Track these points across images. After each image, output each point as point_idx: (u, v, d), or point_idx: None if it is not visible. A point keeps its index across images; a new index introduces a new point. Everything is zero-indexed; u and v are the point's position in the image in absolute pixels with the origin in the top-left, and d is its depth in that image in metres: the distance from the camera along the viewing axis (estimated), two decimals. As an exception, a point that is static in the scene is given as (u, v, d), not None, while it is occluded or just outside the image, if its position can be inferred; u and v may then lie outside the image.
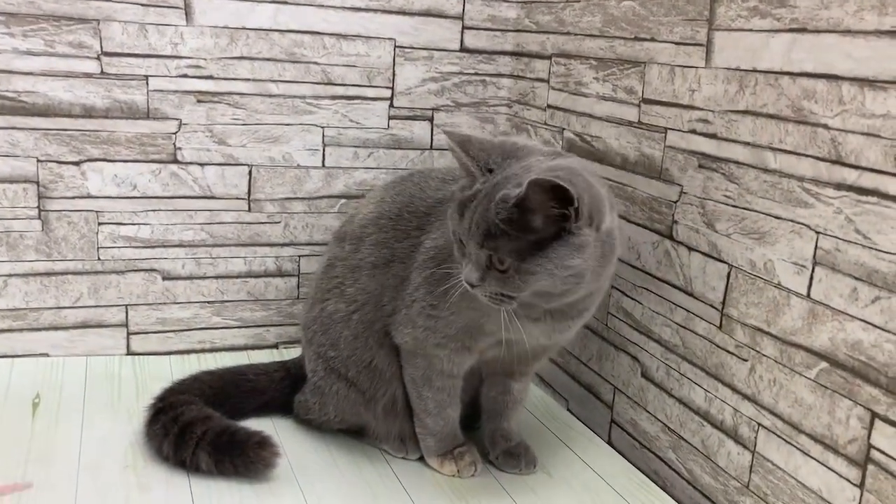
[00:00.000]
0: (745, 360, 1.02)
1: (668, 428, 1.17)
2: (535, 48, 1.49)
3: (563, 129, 1.41)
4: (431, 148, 1.58)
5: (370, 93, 1.51)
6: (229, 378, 1.29)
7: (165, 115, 1.40)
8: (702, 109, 1.08)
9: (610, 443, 1.29)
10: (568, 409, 1.40)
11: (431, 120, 1.57)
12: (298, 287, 1.55)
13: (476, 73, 1.57)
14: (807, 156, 0.92)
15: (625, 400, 1.26)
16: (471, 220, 0.94)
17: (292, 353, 1.52)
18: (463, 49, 1.55)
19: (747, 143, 1.01)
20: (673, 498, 1.12)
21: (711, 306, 1.07)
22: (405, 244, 1.13)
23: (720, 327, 1.06)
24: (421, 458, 1.20)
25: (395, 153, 1.55)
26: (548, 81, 1.45)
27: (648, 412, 1.21)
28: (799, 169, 0.93)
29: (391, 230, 1.15)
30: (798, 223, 0.94)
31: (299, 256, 1.54)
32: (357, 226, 1.20)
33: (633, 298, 1.23)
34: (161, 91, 1.39)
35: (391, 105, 1.53)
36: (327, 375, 1.20)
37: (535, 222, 0.91)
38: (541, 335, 1.05)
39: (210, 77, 1.41)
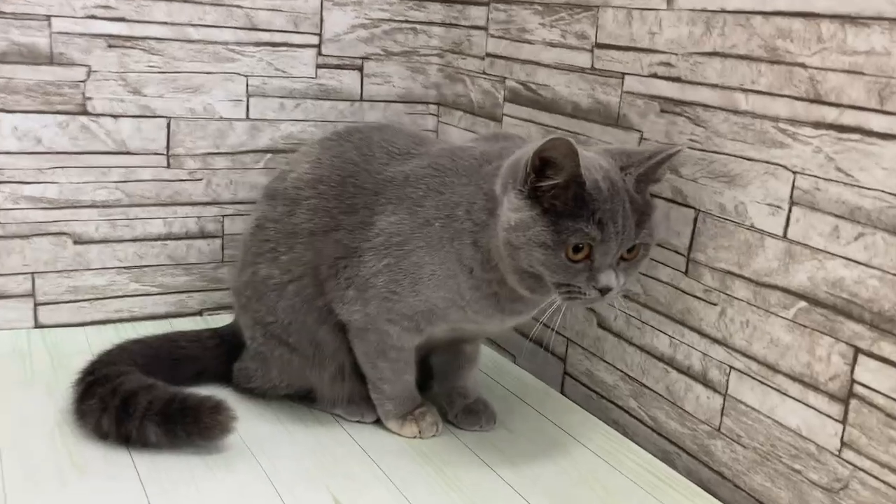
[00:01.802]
0: (715, 305, 1.02)
1: (629, 376, 1.16)
2: (471, -6, 1.43)
3: (505, 77, 1.36)
4: (361, 99, 1.50)
5: (297, 39, 1.42)
6: (160, 346, 1.19)
7: (72, 60, 1.26)
8: (664, 53, 1.06)
9: (564, 394, 1.28)
10: (515, 364, 1.38)
11: (361, 69, 1.49)
12: (223, 249, 1.45)
13: (406, 21, 1.50)
14: (782, 96, 0.92)
15: (579, 351, 1.25)
16: (623, 218, 0.89)
17: (217, 320, 1.43)
18: (393, -6, 1.48)
19: (715, 86, 0.99)
20: (637, 445, 1.12)
21: (676, 252, 1.06)
22: (351, 218, 1.05)
23: (686, 273, 1.05)
24: (377, 422, 1.14)
25: (323, 104, 1.47)
26: (486, 29, 1.40)
27: (606, 362, 1.20)
28: (773, 109, 0.93)
29: (332, 199, 1.07)
30: (773, 164, 0.93)
31: (223, 216, 1.44)
32: (291, 186, 1.11)
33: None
34: (66, 34, 1.25)
35: (319, 53, 1.44)
36: (267, 341, 1.12)
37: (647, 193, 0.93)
38: (505, 320, 1.04)
39: (122, 19, 1.28)
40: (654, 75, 1.08)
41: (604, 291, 0.90)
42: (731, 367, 1.00)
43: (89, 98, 1.29)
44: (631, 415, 1.16)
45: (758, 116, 0.95)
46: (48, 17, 1.23)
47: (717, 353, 1.02)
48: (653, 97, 1.08)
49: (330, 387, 1.13)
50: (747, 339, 0.98)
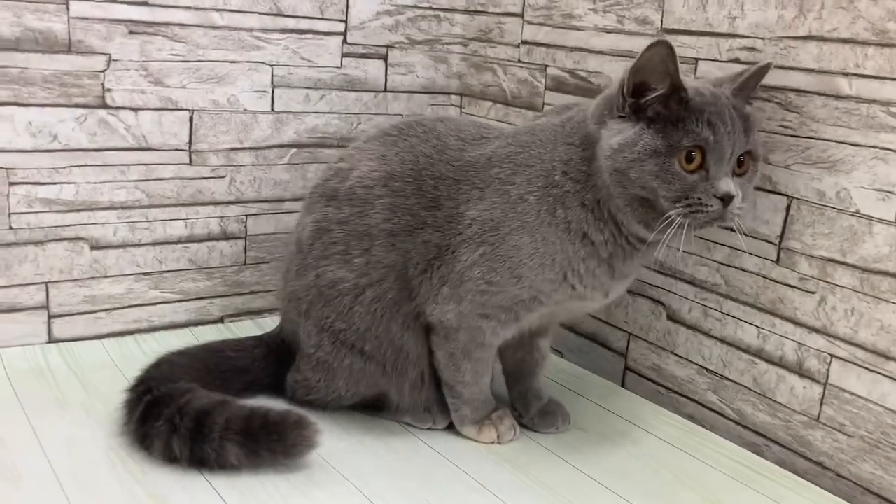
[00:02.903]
0: (813, 293, 1.00)
1: (707, 370, 1.13)
2: (503, -21, 1.38)
3: (547, 66, 1.32)
4: (385, 90, 1.43)
5: (322, 26, 1.33)
6: (207, 358, 1.10)
7: (91, 48, 1.15)
8: (747, 37, 1.04)
9: (624, 389, 1.24)
10: (565, 360, 1.34)
11: (386, 59, 1.41)
12: (245, 251, 1.35)
13: (430, 7, 1.44)
14: (893, 79, 0.90)
15: (643, 346, 1.22)
16: (731, 119, 0.87)
17: (240, 327, 1.35)
18: (418, -21, 1.41)
19: (811, 70, 0.97)
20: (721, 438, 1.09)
21: (766, 241, 1.04)
22: (437, 214, 0.99)
23: (777, 261, 1.03)
24: (448, 428, 1.08)
25: (347, 96, 1.39)
26: (521, 15, 1.35)
27: (678, 356, 1.17)
28: (883, 93, 0.91)
29: (411, 195, 1.01)
30: (882, 149, 0.92)
31: (246, 216, 1.34)
32: (357, 185, 1.04)
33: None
34: (85, 19, 1.13)
35: (344, 41, 1.36)
36: (336, 350, 1.04)
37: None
38: (613, 289, 0.99)
39: (144, 3, 1.17)
40: (736, 60, 1.05)
41: (725, 200, 0.87)
42: (832, 356, 0.99)
43: (109, 89, 1.17)
44: (709, 408, 1.13)
45: (864, 101, 0.93)
46: (66, 1, 1.11)
47: (815, 342, 1.00)
48: (733, 83, 1.06)
49: (409, 395, 1.06)
50: (852, 328, 0.96)
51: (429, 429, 1.08)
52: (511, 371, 1.13)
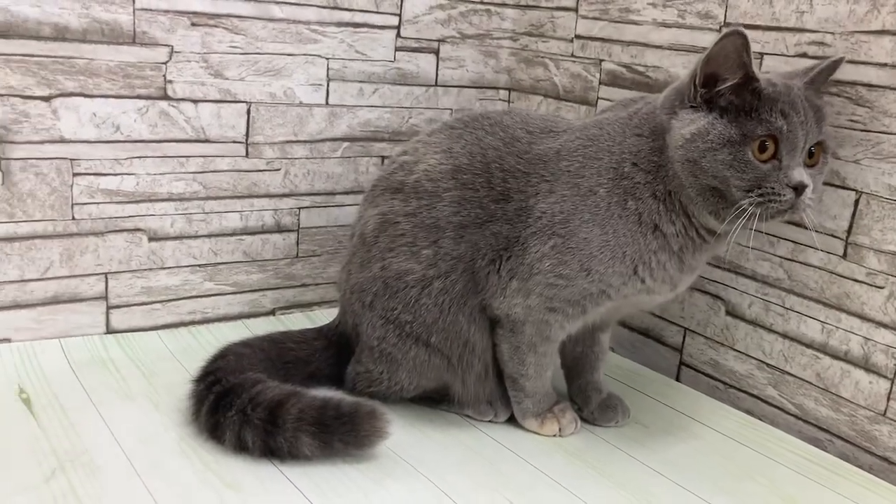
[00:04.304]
0: (881, 288, 1.00)
1: (767, 365, 1.13)
2: (556, -26, 1.38)
3: (602, 60, 1.32)
4: (436, 84, 1.43)
5: (377, 20, 1.34)
6: (270, 349, 1.10)
7: (155, 40, 1.15)
8: (816, 32, 1.04)
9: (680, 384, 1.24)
10: (617, 354, 1.34)
11: (437, 53, 1.42)
12: (298, 244, 1.36)
13: (482, 2, 1.44)
14: (971, 74, 0.90)
15: (700, 341, 1.22)
16: (803, 110, 0.88)
17: (291, 319, 1.35)
18: (470, -26, 1.41)
19: (884, 65, 0.97)
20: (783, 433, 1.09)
21: (832, 235, 1.04)
22: (507, 206, 1.00)
23: (844, 256, 1.03)
24: (509, 420, 1.09)
25: (400, 90, 1.39)
26: (576, 10, 1.35)
27: (737, 350, 1.17)
28: (959, 88, 0.91)
29: (481, 188, 1.01)
30: (957, 143, 0.92)
31: (299, 209, 1.34)
32: (424, 179, 1.04)
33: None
34: (150, 10, 1.14)
35: (398, 35, 1.36)
36: (401, 341, 1.04)
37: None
38: (682, 282, 0.99)
39: (207, -6, 1.18)
40: (804, 55, 1.05)
41: (798, 190, 0.87)
42: (900, 351, 0.99)
43: (170, 81, 1.18)
44: (769, 403, 1.13)
45: (939, 96, 0.93)
46: (132, -8, 1.12)
47: (882, 336, 1.00)
48: (799, 77, 1.05)
49: (473, 387, 1.06)
50: (924, 322, 0.96)
51: (489, 421, 1.09)
52: (571, 365, 1.14)
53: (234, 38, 1.21)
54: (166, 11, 1.15)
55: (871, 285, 1.01)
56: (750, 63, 0.87)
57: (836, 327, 1.05)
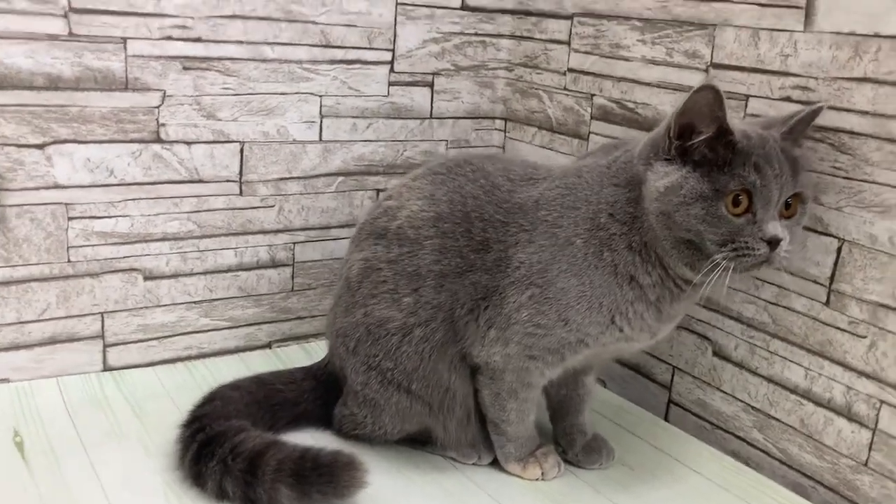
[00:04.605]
0: (863, 337, 0.99)
1: (752, 407, 1.13)
2: (549, 7, 1.38)
3: (593, 94, 1.31)
4: (431, 117, 1.44)
5: (370, 56, 1.35)
6: (258, 391, 1.12)
7: (147, 85, 1.17)
8: (800, 76, 1.03)
9: (669, 423, 1.24)
10: (607, 390, 1.34)
11: (432, 86, 1.42)
12: (293, 278, 1.38)
13: (476, 34, 1.44)
14: (951, 128, 0.89)
15: (688, 380, 1.21)
16: (778, 163, 0.88)
17: (287, 352, 1.37)
18: (464, 7, 1.41)
19: (865, 113, 0.96)
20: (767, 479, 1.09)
21: (815, 282, 1.03)
22: (486, 257, 1.00)
23: (827, 303, 1.02)
24: (492, 463, 1.10)
25: (394, 123, 1.40)
26: (568, 43, 1.35)
27: (724, 392, 1.16)
28: (940, 141, 0.90)
29: (461, 237, 1.02)
30: (938, 197, 0.91)
31: (294, 244, 1.36)
32: (406, 226, 1.04)
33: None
34: (141, 56, 1.16)
35: (391, 70, 1.37)
36: (383, 388, 1.06)
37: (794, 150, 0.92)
38: (661, 330, 0.99)
39: (198, 39, 1.19)
40: (788, 99, 1.04)
41: (773, 244, 0.87)
42: (881, 402, 0.98)
43: (163, 124, 1.20)
44: (755, 446, 1.13)
45: (920, 148, 0.92)
46: (124, 40, 1.14)
47: (864, 386, 0.99)
48: (784, 122, 1.05)
49: (455, 432, 1.07)
50: (905, 375, 0.95)
51: (473, 464, 1.10)
52: (555, 407, 1.14)
53: (227, 80, 1.23)
54: (158, 57, 1.17)
55: (853, 334, 1.00)
56: (724, 116, 0.87)
57: (820, 374, 1.04)
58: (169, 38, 1.17)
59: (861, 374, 1.00)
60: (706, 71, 1.14)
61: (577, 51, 1.34)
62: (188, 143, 1.22)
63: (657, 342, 1.04)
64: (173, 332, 1.29)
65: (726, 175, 0.87)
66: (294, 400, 1.13)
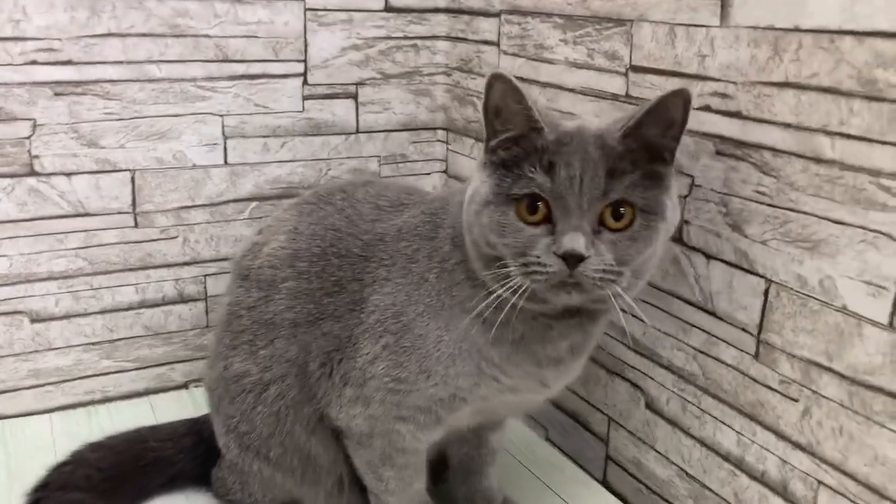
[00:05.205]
0: (795, 400, 0.81)
1: (686, 473, 0.95)
2: (478, 3, 1.22)
3: (522, 103, 1.15)
4: (357, 132, 1.30)
5: (277, 68, 1.22)
6: (125, 450, 1.01)
7: (13, 114, 1.08)
8: (718, 80, 0.84)
9: (606, 483, 1.07)
10: (548, 439, 1.18)
11: (356, 97, 1.28)
12: (207, 313, 1.26)
13: (406, 37, 1.29)
14: (885, 143, 0.70)
15: (624, 434, 1.04)
16: (582, 162, 0.70)
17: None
18: (388, 8, 1.27)
19: (788, 125, 0.78)
20: (702, 561, 0.91)
21: (744, 330, 0.85)
22: (338, 300, 0.85)
23: (756, 356, 0.84)
24: (383, 536, 0.95)
25: (313, 140, 1.27)
26: (498, 44, 1.19)
27: (658, 452, 0.99)
28: (873, 160, 0.71)
29: (314, 278, 0.87)
30: (872, 231, 0.72)
31: (205, 276, 1.25)
32: (266, 265, 0.90)
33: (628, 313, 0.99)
34: (4, 84, 1.06)
35: (305, 82, 1.24)
36: (243, 454, 0.93)
37: (645, 155, 0.72)
38: (547, 379, 0.82)
39: (69, 62, 1.09)
40: (707, 108, 0.86)
41: (569, 260, 0.68)
42: (819, 483, 0.79)
43: (36, 156, 1.10)
44: (691, 519, 0.96)
45: (849, 168, 0.73)
46: (-21, 67, 1.04)
47: (800, 460, 0.81)
48: (706, 135, 0.87)
49: (326, 502, 0.93)
50: (842, 451, 0.76)
51: (357, 534, 0.96)
52: (456, 468, 0.99)
53: (108, 104, 1.12)
54: (22, 83, 1.07)
55: (784, 395, 0.82)
56: (526, 110, 0.71)
57: (752, 441, 0.86)
58: (34, 62, 1.07)
59: (796, 445, 0.81)
60: (625, 74, 0.96)
61: (506, 52, 1.17)
62: (68, 175, 1.12)
63: (557, 390, 0.87)
64: (71, 377, 1.19)
65: (511, 176, 0.72)
66: (170, 459, 1.02)
